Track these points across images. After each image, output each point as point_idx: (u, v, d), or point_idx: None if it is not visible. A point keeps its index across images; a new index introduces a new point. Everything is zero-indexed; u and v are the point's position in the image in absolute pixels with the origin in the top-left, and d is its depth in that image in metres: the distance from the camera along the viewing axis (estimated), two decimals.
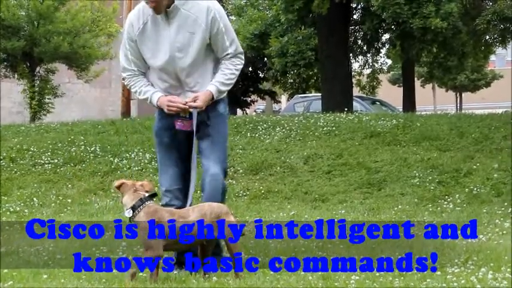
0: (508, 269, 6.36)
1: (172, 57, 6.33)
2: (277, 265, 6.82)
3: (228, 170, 14.97)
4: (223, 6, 36.44)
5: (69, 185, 14.22)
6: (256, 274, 6.38)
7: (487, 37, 27.89)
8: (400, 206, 12.56)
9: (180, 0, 6.27)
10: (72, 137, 16.85)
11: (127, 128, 17.95)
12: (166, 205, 6.57)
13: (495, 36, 27.59)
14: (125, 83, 6.65)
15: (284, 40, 30.80)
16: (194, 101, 6.35)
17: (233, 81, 6.54)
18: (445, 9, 25.60)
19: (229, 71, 6.48)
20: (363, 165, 14.67)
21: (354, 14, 29.08)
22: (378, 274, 6.37)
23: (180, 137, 6.53)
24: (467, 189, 13.03)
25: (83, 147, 16.04)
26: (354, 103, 25.87)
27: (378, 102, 30.88)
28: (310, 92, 32.94)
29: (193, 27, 6.29)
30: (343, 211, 12.43)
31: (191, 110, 6.38)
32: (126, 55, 6.47)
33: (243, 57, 6.59)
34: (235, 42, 6.48)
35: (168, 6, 6.24)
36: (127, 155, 15.55)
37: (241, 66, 6.56)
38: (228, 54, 6.47)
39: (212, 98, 6.42)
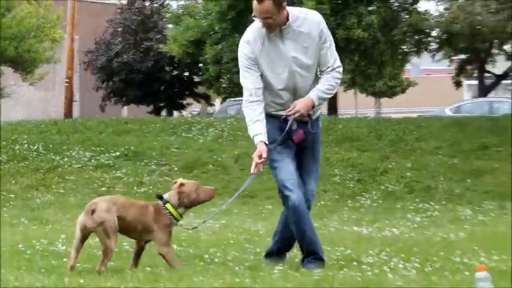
0: (417, 259, 6.44)
1: (291, 73, 6.16)
2: (207, 256, 6.80)
3: (164, 167, 15.04)
4: (161, 15, 36.27)
5: (13, 181, 14.00)
6: (189, 265, 6.35)
7: (404, 47, 28.31)
8: (322, 202, 12.65)
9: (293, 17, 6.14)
10: (16, 136, 16.59)
11: (69, 127, 17.75)
12: (290, 196, 6.17)
13: (410, 46, 28.01)
14: (243, 107, 6.28)
15: (218, 48, 30.76)
16: (292, 109, 6.14)
17: (332, 93, 6.31)
18: (366, 21, 25.91)
19: (329, 83, 6.24)
20: None
21: None
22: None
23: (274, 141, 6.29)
24: (383, 187, 13.18)
25: (26, 145, 15.80)
26: None
27: None
28: (242, 96, 32.92)
29: (307, 42, 6.15)
30: (270, 206, 12.47)
31: (289, 118, 6.15)
32: (247, 85, 6.19)
33: (341, 71, 6.34)
34: (335, 56, 6.30)
35: (283, 24, 6.11)
36: (68, 153, 15.37)
37: (339, 81, 6.31)
38: (328, 68, 6.25)
39: (313, 105, 6.16)
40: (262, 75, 6.15)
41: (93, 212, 5.88)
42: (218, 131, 17.06)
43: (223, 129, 17.16)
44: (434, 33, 29.27)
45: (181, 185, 6.17)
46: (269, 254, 6.52)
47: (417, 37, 26.96)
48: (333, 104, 32.10)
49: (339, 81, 6.28)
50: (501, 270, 5.93)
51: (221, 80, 33.26)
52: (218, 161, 15.07)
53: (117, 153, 15.65)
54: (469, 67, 42.12)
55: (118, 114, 34.37)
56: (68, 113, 25.76)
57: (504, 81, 51.94)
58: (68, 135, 16.89)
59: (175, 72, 36.51)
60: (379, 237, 8.45)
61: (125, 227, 6.04)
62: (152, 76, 35.12)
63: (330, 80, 6.22)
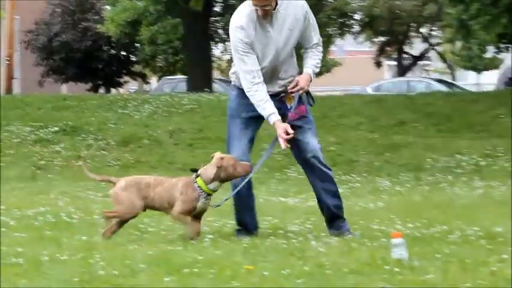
0: None
1: (276, 56, 6.12)
2: (142, 226, 6.76)
3: (101, 142, 14.90)
4: None
5: None
6: (124, 234, 6.30)
7: (328, 29, 28.46)
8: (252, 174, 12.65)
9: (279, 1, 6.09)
10: None
11: (8, 103, 17.40)
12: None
13: (335, 29, 28.18)
14: (248, 92, 6.08)
15: (154, 29, 30.52)
16: (295, 86, 6.14)
17: (320, 66, 6.37)
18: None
19: (318, 57, 6.30)
20: (221, 139, 14.68)
21: (215, 6, 29.07)
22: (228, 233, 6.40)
23: (258, 117, 6.22)
24: (294, 168, 13.22)
25: None
26: (215, 85, 25.90)
27: None
28: (177, 75, 32.78)
29: (292, 24, 6.12)
30: None
31: (294, 94, 6.14)
32: (248, 68, 6.02)
33: (322, 44, 6.44)
34: (317, 32, 6.33)
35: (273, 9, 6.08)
36: (8, 128, 15.07)
37: (322, 54, 6.40)
38: (314, 44, 6.29)
39: (311, 79, 6.22)
40: None
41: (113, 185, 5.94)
42: (153, 108, 16.95)
43: (158, 106, 17.05)
44: (357, 16, 29.52)
45: (221, 159, 5.97)
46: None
47: (341, 20, 27.14)
48: None
49: (322, 55, 6.38)
50: (415, 236, 6.04)
51: (157, 59, 33.04)
52: (153, 136, 14.98)
53: (56, 129, 15.45)
54: (388, 48, 42.69)
55: (57, 91, 33.83)
56: (9, 90, 25.29)
57: (420, 62, 52.79)
58: (8, 110, 16.57)
59: (112, 52, 36.09)
60: (304, 207, 8.51)
61: (152, 205, 5.94)
62: (90, 55, 34.67)
63: (318, 55, 6.29)
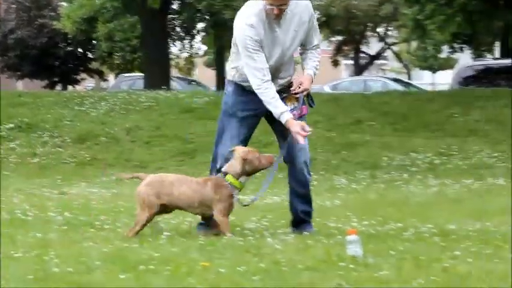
0: None
1: (282, 56, 6.09)
2: (97, 223, 6.72)
3: (57, 139, 14.75)
4: None
5: None
6: (79, 231, 6.26)
7: None
8: (209, 172, 12.64)
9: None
10: None
11: None
12: (219, 169, 6.09)
13: None
14: (258, 90, 5.99)
15: (111, 26, 30.33)
16: (299, 87, 6.11)
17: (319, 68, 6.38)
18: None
19: (317, 59, 6.30)
20: (178, 137, 14.69)
21: (172, 4, 28.95)
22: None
23: (256, 114, 6.18)
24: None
25: None
26: (173, 82, 25.81)
27: (194, 82, 30.97)
28: (135, 72, 32.59)
29: (298, 25, 6.10)
30: None
31: (298, 96, 6.12)
32: (258, 66, 5.95)
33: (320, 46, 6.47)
34: (318, 34, 6.35)
35: None
36: None
37: (320, 56, 6.39)
38: (314, 46, 6.28)
39: (312, 80, 6.21)
40: None
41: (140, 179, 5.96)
42: (110, 105, 16.82)
43: (115, 103, 16.93)
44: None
45: (248, 152, 5.93)
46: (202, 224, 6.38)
47: None
48: (221, 80, 32.15)
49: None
50: (370, 233, 6.09)
51: (114, 56, 32.82)
52: (110, 133, 14.88)
53: (11, 125, 15.28)
54: (345, 48, 42.93)
55: (13, 88, 33.42)
56: None
57: (377, 61, 53.17)
58: None
59: (69, 49, 35.78)
60: (262, 205, 8.53)
61: (176, 204, 5.90)
62: (47, 52, 34.34)
63: (318, 57, 6.31)
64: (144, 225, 5.95)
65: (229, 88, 6.29)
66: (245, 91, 6.16)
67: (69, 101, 17.24)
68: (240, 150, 5.94)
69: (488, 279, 4.32)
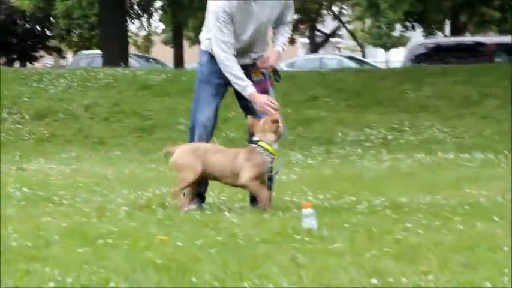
0: None
1: (257, 30, 6.06)
2: (56, 199, 6.66)
3: (16, 116, 14.53)
4: None
5: None
6: (38, 207, 6.20)
7: None
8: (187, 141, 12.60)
9: None
10: None
11: None
12: (199, 138, 6.17)
13: None
14: (223, 62, 6.01)
15: (69, 3, 29.94)
16: (265, 62, 6.12)
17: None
18: None
19: (287, 35, 6.33)
20: (136, 113, 14.59)
21: None
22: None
23: (228, 83, 6.14)
24: (224, 134, 13.27)
25: None
26: (131, 60, 25.57)
27: (152, 60, 30.75)
28: (93, 50, 32.22)
29: (274, 4, 6.10)
30: (119, 152, 12.33)
31: (264, 70, 6.12)
32: (225, 39, 5.95)
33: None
34: (292, 11, 6.34)
35: None
36: None
37: (290, 32, 6.41)
38: (286, 22, 6.30)
39: (279, 57, 6.24)
40: None
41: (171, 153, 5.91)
42: (68, 82, 16.62)
43: (74, 80, 16.73)
44: None
45: (276, 121, 5.94)
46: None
47: None
48: (179, 58, 31.98)
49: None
50: (324, 207, 6.13)
51: (72, 34, 32.42)
52: (69, 110, 14.72)
53: None
54: (301, 26, 42.95)
55: None
56: None
57: (332, 39, 53.29)
58: None
59: (27, 26, 35.22)
60: None
61: (211, 172, 5.88)
62: (4, 29, 33.76)
63: (288, 32, 6.33)
64: (189, 185, 5.92)
65: (203, 58, 6.30)
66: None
67: (28, 78, 17.00)
68: (275, 116, 5.96)
69: (438, 250, 4.38)
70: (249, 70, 6.16)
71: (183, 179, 5.92)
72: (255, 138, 5.96)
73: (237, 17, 6.00)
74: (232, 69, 6.01)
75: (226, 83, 6.21)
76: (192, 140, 6.26)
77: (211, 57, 6.20)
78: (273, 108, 6.00)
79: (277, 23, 6.28)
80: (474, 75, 15.91)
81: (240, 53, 6.13)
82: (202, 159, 5.90)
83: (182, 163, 5.91)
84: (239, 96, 6.31)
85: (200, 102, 6.26)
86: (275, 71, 6.29)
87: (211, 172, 5.93)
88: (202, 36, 6.31)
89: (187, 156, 5.89)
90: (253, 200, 6.32)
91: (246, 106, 6.29)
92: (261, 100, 5.99)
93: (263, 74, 6.19)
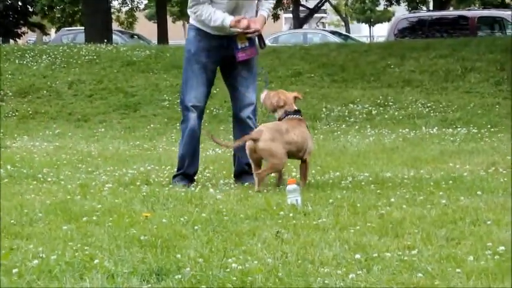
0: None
1: None
2: (40, 176, 6.63)
3: None
4: None
5: None
6: (22, 184, 6.17)
7: None
8: (152, 125, 12.57)
9: None
10: None
11: None
12: (188, 119, 6.20)
13: None
14: (193, 11, 6.12)
15: None
16: (250, 27, 6.09)
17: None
18: None
19: (272, 2, 6.36)
20: (120, 90, 14.51)
21: None
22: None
23: (216, 61, 6.19)
24: (208, 110, 13.22)
25: None
26: (114, 36, 25.38)
27: (136, 36, 30.56)
28: (76, 26, 31.98)
29: None
30: (102, 129, 12.27)
31: (250, 35, 6.10)
32: None
33: None
34: None
35: None
36: None
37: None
38: None
39: (265, 22, 6.23)
40: None
41: (256, 140, 5.71)
42: (51, 59, 16.48)
43: (57, 57, 16.60)
44: None
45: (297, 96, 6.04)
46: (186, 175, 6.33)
47: None
48: (162, 34, 31.79)
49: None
50: (309, 182, 6.12)
51: (55, 10, 32.14)
52: (52, 86, 14.62)
53: None
54: (285, 1, 42.81)
55: None
56: None
57: (317, 15, 53.15)
58: None
59: (8, 2, 34.87)
60: (203, 157, 8.48)
61: (293, 149, 5.86)
62: None
63: (272, 1, 6.35)
64: (278, 171, 5.91)
65: (191, 33, 6.30)
66: (206, 37, 6.17)
67: (10, 54, 16.85)
68: (295, 93, 6.07)
69: (421, 224, 4.40)
70: (234, 36, 6.13)
71: (274, 166, 5.81)
72: (294, 109, 5.96)
73: None
74: (205, 14, 6.06)
75: (215, 61, 6.19)
76: (185, 120, 6.22)
77: (198, 33, 6.19)
78: (247, 25, 6.04)
79: None
80: (457, 50, 15.91)
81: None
82: (287, 140, 5.84)
83: (275, 151, 5.77)
84: (225, 74, 6.29)
85: (189, 81, 6.23)
86: (260, 37, 6.26)
87: (293, 150, 5.89)
88: (189, 8, 6.28)
89: (277, 144, 5.78)
90: (238, 175, 6.32)
91: (232, 85, 6.28)
92: (243, 23, 6.03)
93: (249, 39, 6.16)
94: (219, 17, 6.05)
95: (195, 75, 6.20)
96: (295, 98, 6.08)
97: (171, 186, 5.94)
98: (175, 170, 6.40)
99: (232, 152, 6.43)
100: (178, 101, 6.42)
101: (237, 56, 6.14)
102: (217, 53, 6.19)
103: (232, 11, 6.12)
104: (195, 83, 6.21)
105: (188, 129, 6.25)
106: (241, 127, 6.29)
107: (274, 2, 6.42)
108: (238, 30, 6.05)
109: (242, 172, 6.33)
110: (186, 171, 6.29)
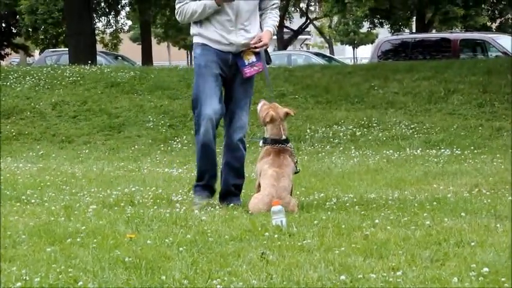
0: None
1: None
2: (24, 198, 6.59)
3: None
4: None
5: None
6: (5, 206, 6.13)
7: None
8: (136, 146, 12.55)
9: None
10: None
11: None
12: (205, 130, 6.08)
13: None
14: (178, 15, 6.18)
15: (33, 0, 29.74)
16: (259, 41, 6.08)
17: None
18: None
19: (276, 18, 6.32)
20: (104, 111, 14.48)
21: None
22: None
23: (224, 74, 6.15)
24: (192, 131, 13.19)
25: None
26: (99, 58, 25.38)
27: (120, 57, 30.57)
28: (60, 47, 31.95)
29: None
30: (87, 151, 12.23)
31: (258, 50, 6.07)
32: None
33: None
34: None
35: None
36: None
37: (279, 17, 6.44)
38: (274, 5, 6.30)
39: (271, 37, 6.23)
40: None
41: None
42: (35, 80, 16.45)
43: (40, 78, 16.56)
44: None
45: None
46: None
47: None
48: (147, 55, 31.83)
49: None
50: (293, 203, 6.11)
51: (38, 31, 32.14)
52: (36, 108, 14.58)
53: None
54: None
55: None
56: None
57: (301, 36, 53.39)
58: None
59: None
60: (189, 177, 8.48)
61: None
62: None
63: (277, 16, 6.34)
64: None
65: (197, 50, 6.27)
66: (211, 51, 6.15)
67: None
68: (285, 111, 6.06)
69: (406, 245, 4.40)
70: (241, 52, 6.13)
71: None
72: (281, 138, 5.97)
73: None
74: (189, 9, 6.09)
75: (224, 73, 6.18)
76: (201, 132, 6.13)
77: (204, 48, 6.18)
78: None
79: (265, 6, 6.28)
80: (440, 72, 16.02)
81: (234, 26, 6.10)
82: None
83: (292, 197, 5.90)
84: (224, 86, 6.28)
85: (203, 95, 6.13)
86: (266, 52, 6.26)
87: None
88: (192, 31, 6.30)
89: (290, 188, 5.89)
90: (224, 196, 6.30)
91: (226, 104, 6.23)
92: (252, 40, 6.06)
93: (255, 55, 6.14)
94: (206, 4, 6.05)
95: (209, 86, 6.14)
96: (287, 114, 6.02)
97: (192, 195, 5.93)
98: (195, 180, 6.34)
99: (222, 173, 6.38)
100: (192, 113, 6.35)
101: (243, 72, 6.12)
102: (224, 68, 6.18)
103: (237, 17, 6.12)
104: (210, 95, 6.13)
105: (206, 141, 6.12)
106: (231, 150, 6.27)
107: (279, 19, 6.42)
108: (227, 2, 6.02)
109: (228, 193, 6.31)
110: (209, 183, 6.26)
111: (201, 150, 6.20)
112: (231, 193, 6.28)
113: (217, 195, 6.34)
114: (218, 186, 6.38)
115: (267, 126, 5.99)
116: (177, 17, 6.29)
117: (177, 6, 6.20)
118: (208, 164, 6.23)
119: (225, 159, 6.34)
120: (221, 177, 6.38)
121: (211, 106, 6.10)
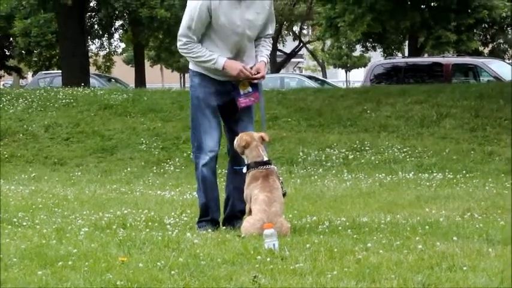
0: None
1: (242, 34, 6.03)
2: (15, 220, 6.57)
3: None
4: None
5: None
6: None
7: None
8: (129, 169, 12.55)
9: None
10: None
11: None
12: (206, 165, 6.10)
13: None
14: (182, 49, 6.11)
15: (28, 22, 29.78)
16: (257, 73, 6.09)
17: None
18: (169, 1, 25.89)
19: (270, 47, 6.34)
20: (97, 133, 14.49)
21: (90, 2, 28.54)
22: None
23: (222, 104, 6.14)
24: (185, 154, 13.24)
25: None
26: (92, 80, 25.43)
27: (113, 80, 30.62)
28: (53, 70, 31.99)
29: (260, 9, 6.09)
30: (79, 173, 12.22)
31: (256, 81, 6.09)
32: (190, 25, 6.01)
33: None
34: (274, 23, 6.37)
35: None
36: None
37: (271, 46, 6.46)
38: (268, 34, 6.30)
39: (265, 68, 6.26)
40: (212, 30, 6.04)
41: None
42: (28, 102, 16.47)
43: (33, 100, 16.58)
44: None
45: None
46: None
47: None
48: (140, 77, 31.92)
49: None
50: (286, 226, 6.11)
51: (32, 53, 32.20)
52: (28, 130, 14.58)
53: None
54: None
55: None
56: None
57: (294, 60, 53.60)
58: None
59: None
60: (181, 200, 8.49)
61: None
62: None
63: (269, 45, 6.34)
64: None
65: (195, 80, 6.22)
66: (210, 81, 6.14)
67: None
68: (261, 136, 6.02)
69: (398, 269, 4.40)
70: (236, 83, 6.13)
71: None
72: (263, 160, 5.91)
73: (221, 17, 5.98)
74: (196, 53, 6.04)
75: (221, 104, 6.18)
76: (201, 166, 6.13)
77: (203, 78, 6.15)
78: (250, 74, 6.05)
79: (259, 36, 6.27)
80: (432, 96, 16.09)
81: (233, 60, 6.08)
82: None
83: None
84: (225, 117, 6.26)
85: (202, 128, 6.13)
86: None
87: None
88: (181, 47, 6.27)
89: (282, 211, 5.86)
90: (229, 219, 6.28)
91: (231, 129, 6.25)
92: (237, 66, 6.02)
93: (251, 85, 6.16)
94: (214, 59, 6.02)
95: (207, 120, 6.14)
96: (262, 138, 6.01)
97: (197, 231, 5.89)
98: (198, 217, 6.28)
99: (225, 196, 6.36)
100: (190, 152, 6.34)
101: (239, 102, 6.11)
102: (223, 97, 6.17)
103: (237, 53, 6.13)
104: (209, 128, 6.14)
105: (208, 176, 6.14)
106: (241, 174, 6.26)
107: (271, 47, 6.42)
108: (233, 74, 6.03)
109: (233, 217, 6.29)
110: (214, 217, 6.22)
111: (203, 185, 6.18)
112: (236, 217, 6.27)
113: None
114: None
115: (245, 153, 5.97)
116: (181, 48, 6.16)
117: (183, 39, 6.09)
118: (213, 200, 6.22)
119: (233, 185, 6.28)
120: (227, 202, 6.34)
121: (212, 139, 6.12)
